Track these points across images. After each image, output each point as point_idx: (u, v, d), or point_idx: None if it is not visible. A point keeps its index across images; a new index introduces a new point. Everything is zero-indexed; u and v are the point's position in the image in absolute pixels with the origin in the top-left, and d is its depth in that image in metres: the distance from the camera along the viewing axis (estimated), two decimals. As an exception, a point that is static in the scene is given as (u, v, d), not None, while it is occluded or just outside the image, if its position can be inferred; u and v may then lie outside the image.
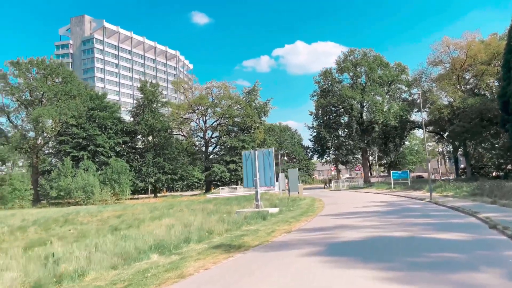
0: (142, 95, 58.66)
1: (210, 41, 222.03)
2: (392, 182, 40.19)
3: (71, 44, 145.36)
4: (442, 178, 63.02)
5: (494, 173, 52.34)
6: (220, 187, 54.75)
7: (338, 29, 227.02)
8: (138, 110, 58.90)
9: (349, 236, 10.67)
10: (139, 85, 60.50)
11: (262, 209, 20.12)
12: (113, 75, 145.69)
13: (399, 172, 43.02)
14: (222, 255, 9.11)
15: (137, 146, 61.58)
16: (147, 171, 55.06)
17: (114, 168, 49.52)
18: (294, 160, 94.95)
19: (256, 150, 20.95)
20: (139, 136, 60.30)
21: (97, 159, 53.89)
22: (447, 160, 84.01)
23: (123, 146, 57.32)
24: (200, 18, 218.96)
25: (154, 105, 58.22)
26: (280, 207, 22.66)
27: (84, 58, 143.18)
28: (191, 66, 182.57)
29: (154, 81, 71.00)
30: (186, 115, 61.12)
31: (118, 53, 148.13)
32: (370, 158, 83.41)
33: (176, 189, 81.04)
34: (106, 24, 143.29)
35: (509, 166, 49.83)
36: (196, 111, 59.51)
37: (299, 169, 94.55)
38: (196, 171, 71.72)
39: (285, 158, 54.99)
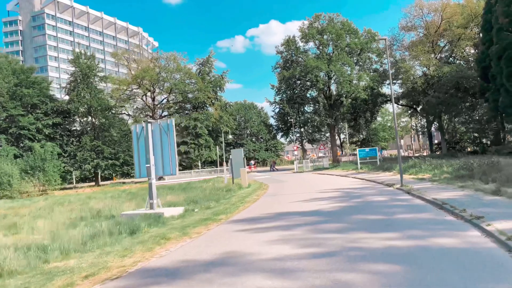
0: (76, 69, 50.29)
1: (182, 21, 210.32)
2: (358, 161, 34.37)
3: (20, 20, 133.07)
4: (416, 155, 58.42)
5: (469, 149, 48.23)
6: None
7: (312, 5, 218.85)
8: (72, 86, 50.55)
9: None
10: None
11: (158, 210, 13.62)
12: (68, 54, 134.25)
13: (367, 150, 37.18)
14: None
15: (73, 128, 53.46)
16: (83, 156, 47.41)
17: (38, 154, 41.78)
18: (261, 140, 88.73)
19: (150, 122, 14.25)
20: (77, 117, 52.15)
21: (21, 144, 45.92)
22: (420, 136, 79.49)
23: (56, 128, 49.30)
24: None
25: (91, 80, 50.05)
26: (196, 204, 16.31)
27: (35, 35, 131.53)
28: (156, 43, 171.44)
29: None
30: (132, 91, 53.35)
31: (73, 29, 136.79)
32: (342, 136, 78.29)
33: (132, 175, 73.48)
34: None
35: (484, 140, 46.03)
36: (142, 86, 51.80)
37: (266, 150, 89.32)
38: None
39: (230, 137, 48.28)
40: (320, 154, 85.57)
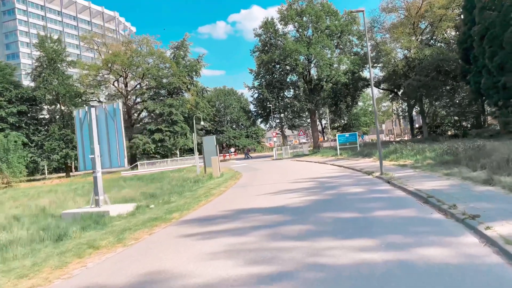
0: (41, 53, 47.26)
1: (161, 6, 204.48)
2: (338, 147, 33.00)
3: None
4: (397, 139, 57.66)
5: (449, 132, 47.72)
6: (142, 162, 45.73)
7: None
8: (38, 72, 47.53)
9: None
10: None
11: (104, 208, 11.84)
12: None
13: (347, 135, 35.79)
14: None
15: (41, 117, 50.53)
16: (51, 146, 44.85)
17: (1, 144, 39.12)
18: (242, 126, 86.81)
19: (93, 106, 12.35)
20: (44, 105, 49.22)
21: (-17, 134, 43.00)
22: (401, 120, 78.92)
23: (22, 116, 46.40)
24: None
25: (58, 65, 47.11)
26: (155, 199, 14.58)
27: (5, 20, 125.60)
28: (133, 29, 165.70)
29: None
30: (102, 76, 50.59)
31: (45, 14, 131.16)
32: (324, 121, 77.15)
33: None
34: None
35: (464, 124, 45.50)
36: (113, 71, 49.07)
37: (247, 137, 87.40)
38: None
39: (202, 123, 46.20)
40: (303, 140, 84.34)
